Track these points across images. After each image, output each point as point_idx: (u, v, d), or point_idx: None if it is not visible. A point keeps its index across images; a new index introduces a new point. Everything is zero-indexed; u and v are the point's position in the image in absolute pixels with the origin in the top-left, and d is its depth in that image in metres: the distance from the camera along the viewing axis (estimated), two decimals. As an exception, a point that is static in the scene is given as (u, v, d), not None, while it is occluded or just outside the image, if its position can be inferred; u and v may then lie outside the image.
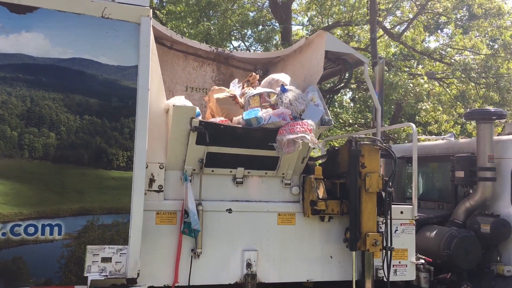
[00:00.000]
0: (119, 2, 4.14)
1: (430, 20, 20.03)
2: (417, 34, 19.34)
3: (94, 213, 4.00)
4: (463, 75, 18.03)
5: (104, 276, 4.06)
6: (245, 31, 17.94)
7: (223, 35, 15.52)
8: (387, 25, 19.97)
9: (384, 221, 4.99)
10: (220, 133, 4.51)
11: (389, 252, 4.91)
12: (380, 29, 18.45)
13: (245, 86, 5.22)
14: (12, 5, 3.87)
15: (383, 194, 4.97)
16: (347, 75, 5.80)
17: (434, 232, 5.74)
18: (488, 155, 5.73)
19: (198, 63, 7.19)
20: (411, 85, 16.97)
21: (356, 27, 19.16)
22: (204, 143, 4.46)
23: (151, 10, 4.27)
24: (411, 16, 19.61)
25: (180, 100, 4.55)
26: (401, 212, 5.30)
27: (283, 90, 5.00)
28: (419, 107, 17.73)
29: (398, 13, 20.33)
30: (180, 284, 4.52)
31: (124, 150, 4.09)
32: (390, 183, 4.97)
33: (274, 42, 17.22)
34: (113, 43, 4.13)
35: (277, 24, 17.66)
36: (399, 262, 5.27)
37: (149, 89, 4.16)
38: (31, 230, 3.82)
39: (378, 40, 17.77)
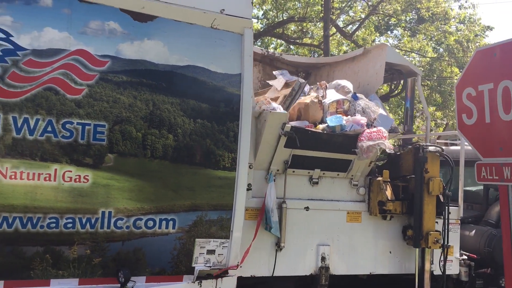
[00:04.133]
0: (226, 14, 4.47)
1: (380, 21, 20.75)
2: (368, 34, 20.27)
3: (203, 209, 4.35)
4: None
5: (208, 267, 4.43)
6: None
7: None
8: (340, 24, 20.64)
9: (441, 221, 5.53)
10: (307, 137, 4.91)
11: (446, 249, 5.45)
12: (333, 27, 19.09)
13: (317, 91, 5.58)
14: (135, 13, 4.14)
15: (441, 197, 5.49)
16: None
17: (474, 231, 6.32)
18: (523, 162, 6.31)
19: (245, 63, 7.51)
20: None
21: (310, 23, 19.79)
22: (292, 147, 4.85)
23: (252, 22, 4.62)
24: (363, 16, 20.37)
25: (270, 106, 4.92)
26: (449, 213, 5.83)
27: (355, 97, 5.43)
28: None
29: (350, 12, 21.10)
30: (265, 275, 4.93)
31: (229, 152, 4.44)
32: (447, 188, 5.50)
33: None
34: (220, 52, 4.45)
35: (232, 16, 18.07)
36: (447, 258, 5.82)
37: (252, 96, 4.52)
38: (150, 223, 4.14)
39: (330, 38, 18.58)
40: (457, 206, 5.94)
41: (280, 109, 4.86)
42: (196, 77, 4.35)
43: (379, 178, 5.34)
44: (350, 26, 21.20)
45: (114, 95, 4.01)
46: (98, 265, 3.99)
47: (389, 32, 21.83)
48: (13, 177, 3.66)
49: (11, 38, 3.68)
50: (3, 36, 3.66)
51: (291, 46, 21.26)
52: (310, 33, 21.02)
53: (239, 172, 4.44)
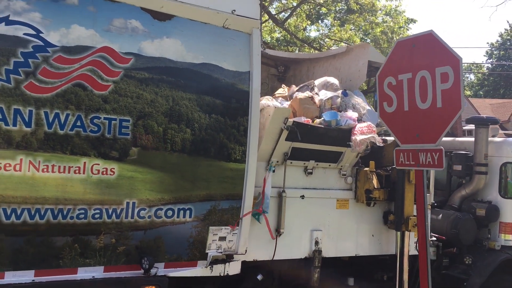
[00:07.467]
0: (237, 15, 4.72)
1: (312, 10, 21.29)
2: (300, 22, 20.80)
3: (216, 199, 4.63)
4: None
5: (220, 252, 4.74)
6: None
7: None
8: (273, 11, 21.01)
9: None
10: (306, 131, 5.28)
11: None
12: (266, 14, 19.46)
13: (308, 89, 5.97)
14: (154, 12, 4.31)
15: (419, 184, 6.06)
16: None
17: (441, 215, 6.99)
18: (484, 153, 7.05)
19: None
20: None
21: None
22: (293, 140, 5.21)
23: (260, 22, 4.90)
24: (295, 4, 20.82)
25: (272, 102, 5.25)
26: (423, 199, 6.44)
27: (345, 94, 5.85)
28: None
29: (283, 0, 21.55)
30: (265, 259, 5.29)
31: (239, 145, 4.73)
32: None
33: None
34: (231, 50, 4.71)
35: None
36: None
37: (260, 92, 4.82)
38: (169, 213, 4.38)
39: (263, 25, 18.99)
40: (429, 193, 6.57)
41: (277, 104, 5.19)
42: (210, 74, 4.59)
43: (366, 169, 5.83)
44: (283, 13, 21.52)
45: (137, 91, 4.18)
46: (122, 253, 4.20)
47: (319, 21, 22.57)
48: (45, 170, 3.78)
49: (41, 34, 3.77)
50: (33, 32, 3.74)
51: (224, 32, 21.34)
52: (244, 19, 21.23)
53: (249, 164, 4.76)
